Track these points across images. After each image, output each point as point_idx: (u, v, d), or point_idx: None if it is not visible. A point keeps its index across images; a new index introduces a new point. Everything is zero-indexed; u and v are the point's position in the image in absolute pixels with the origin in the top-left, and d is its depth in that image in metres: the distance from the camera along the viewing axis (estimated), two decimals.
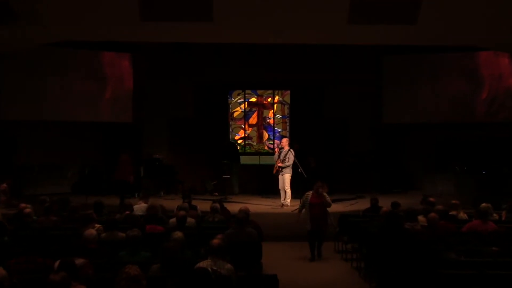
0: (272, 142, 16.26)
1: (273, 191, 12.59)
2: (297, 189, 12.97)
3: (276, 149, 12.50)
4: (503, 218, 8.89)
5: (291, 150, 12.37)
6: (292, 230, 10.74)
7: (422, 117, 15.05)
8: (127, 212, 8.68)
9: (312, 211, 9.25)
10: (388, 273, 6.45)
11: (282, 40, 12.01)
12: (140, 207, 9.42)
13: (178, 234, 6.25)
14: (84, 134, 14.88)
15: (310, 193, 9.37)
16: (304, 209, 9.50)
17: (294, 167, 12.35)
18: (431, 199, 9.31)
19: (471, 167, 14.13)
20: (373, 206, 9.90)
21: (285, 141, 12.55)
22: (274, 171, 12.42)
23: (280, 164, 12.19)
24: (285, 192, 12.29)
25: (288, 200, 12.30)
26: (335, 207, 12.24)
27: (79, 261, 5.39)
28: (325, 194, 9.42)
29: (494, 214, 8.61)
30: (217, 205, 8.92)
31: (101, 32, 11.27)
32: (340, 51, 14.73)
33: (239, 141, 16.48)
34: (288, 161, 12.15)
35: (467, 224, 7.91)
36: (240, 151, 16.29)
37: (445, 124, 14.90)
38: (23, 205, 8.76)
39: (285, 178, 12.20)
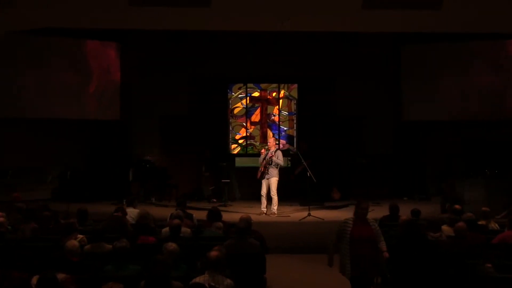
0: (277, 142, 16.24)
1: (278, 196, 12.55)
2: (303, 195, 13.01)
3: (262, 150, 12.48)
4: None
5: (280, 150, 12.52)
6: (299, 241, 10.73)
7: (446, 114, 15.01)
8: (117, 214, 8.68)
9: (356, 249, 6.56)
10: None
11: (289, 28, 12.00)
12: (132, 211, 9.44)
13: (172, 245, 6.24)
14: (65, 133, 14.87)
15: (350, 220, 6.76)
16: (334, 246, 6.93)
17: (303, 170, 12.34)
18: (458, 206, 9.28)
19: (503, 171, 14.08)
20: (392, 214, 9.88)
21: (272, 141, 12.62)
22: (259, 175, 12.36)
23: (264, 162, 12.13)
24: (271, 198, 12.28)
25: (275, 207, 12.31)
26: (347, 215, 12.21)
27: (60, 276, 5.40)
28: (373, 221, 6.91)
29: None
30: (221, 224, 8.81)
31: (84, 18, 11.28)
32: (353, 40, 14.74)
33: (240, 141, 16.49)
34: (278, 159, 12.15)
35: (498, 235, 7.89)
36: (241, 152, 16.32)
37: (473, 122, 14.87)
38: None
39: (272, 183, 12.21)
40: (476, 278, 6.04)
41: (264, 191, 12.30)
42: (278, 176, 12.28)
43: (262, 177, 12.25)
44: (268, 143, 12.59)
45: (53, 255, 6.08)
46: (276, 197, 12.27)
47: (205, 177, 14.97)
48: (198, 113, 15.71)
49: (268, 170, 12.18)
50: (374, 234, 6.65)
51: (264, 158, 12.26)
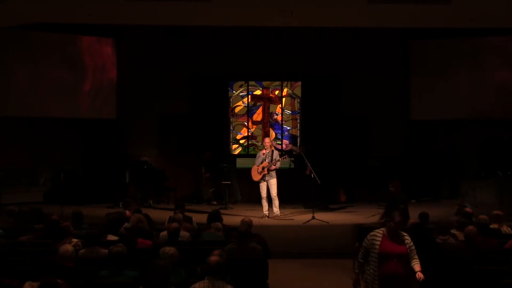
0: (280, 142, 16.26)
1: (281, 198, 12.59)
2: (307, 197, 13.04)
3: (263, 151, 12.45)
4: None
5: (276, 150, 12.60)
6: (303, 245, 10.74)
7: (458, 112, 15.00)
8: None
9: (386, 267, 6.12)
10: None
11: (292, 23, 11.99)
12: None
13: (171, 250, 6.26)
14: (59, 133, 14.91)
15: (378, 233, 6.30)
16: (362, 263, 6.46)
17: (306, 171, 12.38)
18: (468, 209, 9.29)
19: None
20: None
21: (268, 141, 12.62)
22: (260, 177, 12.32)
23: (272, 168, 12.17)
24: (272, 200, 12.31)
25: (278, 209, 12.35)
26: (353, 218, 12.28)
27: None
28: (407, 236, 6.35)
29: None
30: (219, 225, 8.84)
31: (79, 12, 11.30)
32: (360, 35, 14.73)
33: (242, 141, 16.50)
34: (278, 163, 12.21)
35: (511, 240, 7.90)
36: (242, 152, 16.33)
37: (486, 121, 14.84)
38: None
39: (273, 184, 12.23)
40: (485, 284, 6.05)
41: (264, 193, 12.31)
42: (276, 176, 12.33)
43: (263, 178, 12.26)
44: (265, 143, 12.54)
45: (46, 260, 6.10)
46: (277, 198, 12.31)
47: (204, 178, 14.99)
48: (198, 112, 15.72)
49: (269, 172, 12.20)
50: (407, 251, 6.13)
51: (265, 159, 12.24)
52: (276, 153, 12.31)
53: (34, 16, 11.67)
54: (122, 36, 15.51)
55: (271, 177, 12.20)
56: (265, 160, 12.20)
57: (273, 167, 12.16)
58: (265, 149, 12.38)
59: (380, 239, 6.15)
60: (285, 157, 12.37)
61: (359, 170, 15.22)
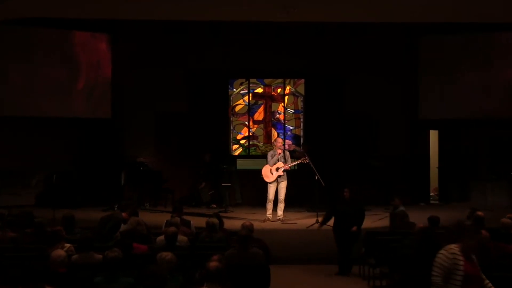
0: (282, 143, 16.20)
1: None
2: (311, 200, 13.01)
3: (279, 151, 12.42)
4: None
5: (286, 151, 12.67)
6: (307, 250, 10.69)
7: (467, 111, 14.96)
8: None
9: None
10: None
11: (295, 18, 11.97)
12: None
13: (168, 255, 6.23)
14: (52, 133, 14.86)
15: (457, 252, 5.47)
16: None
17: (310, 173, 12.37)
18: (480, 213, 9.24)
19: None
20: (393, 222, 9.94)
21: (281, 141, 12.78)
22: (274, 178, 12.30)
23: (288, 167, 12.19)
24: (278, 203, 12.37)
25: (282, 212, 12.40)
26: None
27: None
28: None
29: None
30: (215, 220, 8.89)
31: (73, 7, 11.28)
32: (365, 31, 14.69)
33: (242, 141, 16.46)
34: (290, 164, 12.29)
35: None
36: (243, 153, 16.30)
37: (497, 120, 14.80)
38: None
39: (283, 186, 12.32)
40: None
41: (272, 195, 12.31)
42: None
43: (276, 180, 12.27)
44: (279, 144, 12.58)
45: (37, 266, 6.07)
46: (284, 202, 12.30)
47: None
48: (197, 111, 15.68)
49: (284, 172, 12.25)
50: (480, 270, 5.55)
51: (279, 160, 12.25)
52: (287, 153, 12.35)
53: (26, 11, 11.65)
54: (118, 32, 15.48)
55: (283, 179, 12.27)
56: (279, 160, 12.21)
57: (287, 167, 12.23)
58: (279, 150, 12.39)
59: (461, 257, 5.39)
60: (305, 159, 12.36)
61: (362, 171, 15.16)
